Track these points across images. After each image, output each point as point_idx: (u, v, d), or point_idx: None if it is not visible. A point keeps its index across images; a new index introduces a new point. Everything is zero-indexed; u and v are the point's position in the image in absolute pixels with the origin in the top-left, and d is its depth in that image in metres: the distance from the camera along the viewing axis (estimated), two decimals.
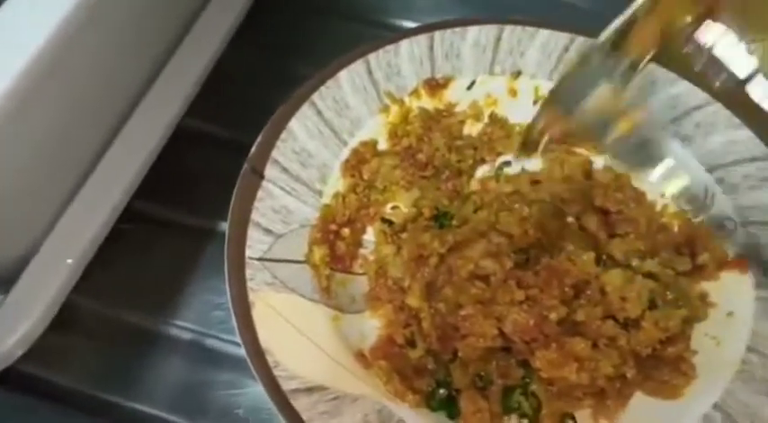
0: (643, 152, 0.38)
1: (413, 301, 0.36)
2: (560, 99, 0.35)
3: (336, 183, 0.40)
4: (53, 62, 0.29)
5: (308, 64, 0.42)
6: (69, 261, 0.33)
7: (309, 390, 0.32)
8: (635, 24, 0.31)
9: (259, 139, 0.39)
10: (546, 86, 0.43)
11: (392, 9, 0.53)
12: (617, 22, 0.31)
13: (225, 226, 0.36)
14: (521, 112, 0.44)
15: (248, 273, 0.34)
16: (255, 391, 0.38)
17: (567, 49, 0.44)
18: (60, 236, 0.34)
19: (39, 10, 0.29)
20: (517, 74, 0.44)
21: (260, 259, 0.35)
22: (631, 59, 0.32)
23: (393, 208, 0.41)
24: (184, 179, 0.43)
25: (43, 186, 0.33)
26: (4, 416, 0.37)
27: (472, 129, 0.44)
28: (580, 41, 0.44)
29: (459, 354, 0.35)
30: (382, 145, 0.42)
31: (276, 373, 0.32)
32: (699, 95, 0.41)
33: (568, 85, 0.35)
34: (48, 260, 0.33)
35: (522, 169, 0.42)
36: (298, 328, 0.34)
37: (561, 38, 0.44)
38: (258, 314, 0.33)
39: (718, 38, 0.31)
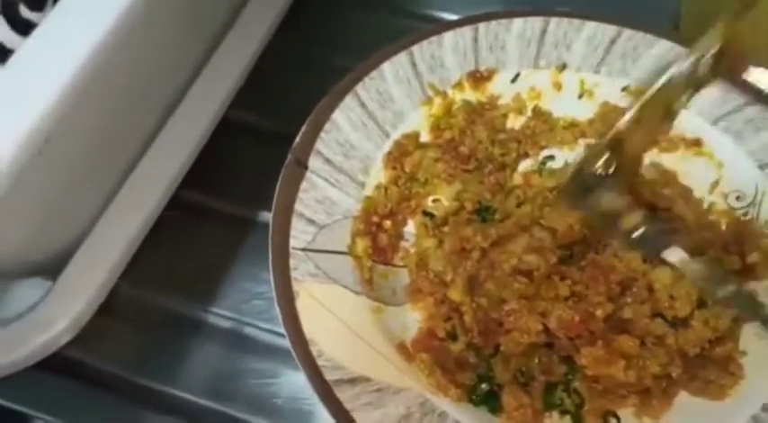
0: None
1: (455, 294, 0.36)
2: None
3: (378, 174, 0.40)
4: (109, 57, 0.29)
5: (351, 56, 0.42)
6: (117, 248, 0.33)
7: (353, 380, 0.32)
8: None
9: (303, 130, 0.39)
10: (591, 80, 0.43)
11: (436, 2, 0.53)
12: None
13: (267, 216, 0.36)
14: (565, 106, 0.43)
15: (292, 263, 0.34)
16: (292, 380, 0.38)
17: (613, 42, 0.43)
18: (108, 224, 0.34)
19: (97, 5, 0.29)
20: (562, 67, 0.43)
21: (304, 250, 0.35)
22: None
23: (434, 201, 0.41)
24: (229, 169, 0.44)
25: (92, 176, 0.34)
26: (49, 400, 0.38)
27: (515, 122, 0.43)
28: (627, 34, 0.43)
29: (502, 348, 0.35)
30: (425, 137, 0.42)
31: (320, 363, 0.32)
32: None
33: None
34: (96, 247, 0.33)
35: (566, 163, 0.42)
36: (341, 318, 0.34)
37: (608, 30, 0.43)
38: (302, 304, 0.33)
39: None
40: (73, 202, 0.34)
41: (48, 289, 0.33)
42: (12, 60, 0.28)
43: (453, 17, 0.50)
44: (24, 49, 0.29)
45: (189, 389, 0.38)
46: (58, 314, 0.32)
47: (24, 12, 0.32)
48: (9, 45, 0.31)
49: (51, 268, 0.34)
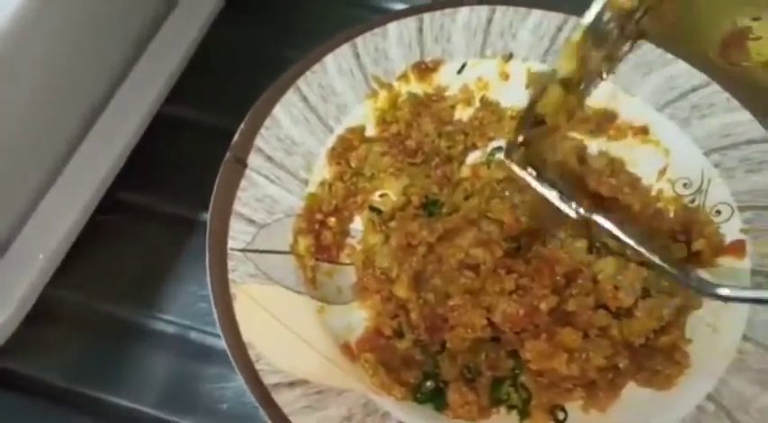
0: None
1: (401, 291, 0.35)
2: None
3: (322, 171, 0.39)
4: (22, 38, 0.28)
5: (295, 48, 0.41)
6: (42, 255, 0.32)
7: (292, 384, 0.31)
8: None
9: (242, 126, 0.37)
10: (538, 69, 0.42)
11: None
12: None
13: (208, 216, 0.35)
14: (513, 96, 0.42)
15: (230, 264, 0.34)
16: (240, 384, 0.37)
17: (559, 30, 0.42)
18: (34, 228, 0.33)
19: None
20: (509, 56, 0.42)
21: (243, 250, 0.34)
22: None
23: (381, 196, 0.40)
24: (166, 167, 0.42)
25: (16, 176, 0.32)
26: None
27: (463, 113, 0.43)
28: (573, 22, 0.42)
29: (448, 345, 0.34)
30: (370, 131, 0.41)
31: (258, 367, 0.31)
32: (696, 77, 0.40)
33: None
34: (21, 253, 0.32)
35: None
36: (281, 320, 0.33)
37: (554, 18, 0.42)
38: (240, 307, 0.32)
39: None
40: None
41: None
42: None
43: (400, 7, 0.49)
44: None
45: (135, 398, 0.37)
46: None
47: None
48: None
49: None
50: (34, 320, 0.35)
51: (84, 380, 0.37)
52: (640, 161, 0.41)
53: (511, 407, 0.34)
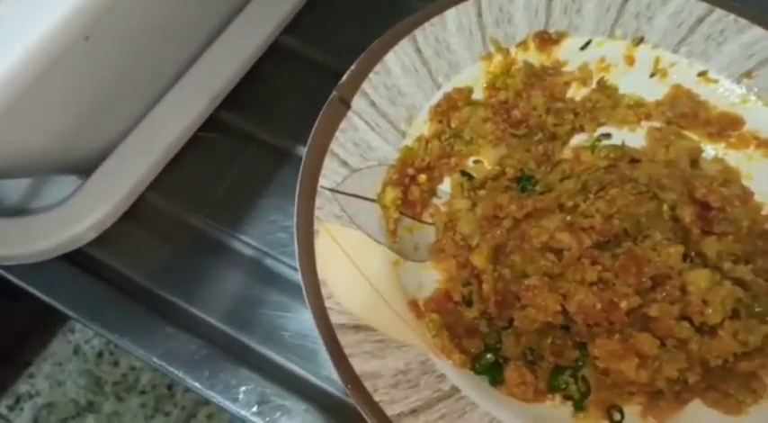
0: None
1: (478, 260, 0.35)
2: None
3: (422, 126, 0.38)
4: None
5: None
6: (148, 158, 0.33)
7: (357, 327, 0.31)
8: None
9: (352, 67, 0.37)
10: (668, 59, 0.40)
11: None
12: None
13: (304, 150, 0.35)
14: (633, 83, 0.40)
15: (318, 201, 0.34)
16: (304, 317, 0.38)
17: (700, 21, 0.39)
18: (143, 133, 0.34)
19: None
20: (639, 40, 0.40)
21: (332, 190, 0.35)
22: None
23: (475, 162, 0.39)
24: (271, 96, 0.43)
25: (135, 80, 0.34)
26: (69, 293, 0.39)
27: (576, 93, 0.41)
28: (718, 14, 0.39)
29: (516, 323, 0.34)
30: (477, 94, 0.40)
31: (328, 304, 0.32)
32: None
33: None
34: (128, 154, 0.34)
35: (623, 144, 0.39)
36: (357, 264, 0.33)
37: (697, 7, 0.39)
38: (321, 244, 0.33)
39: None
40: (113, 104, 0.34)
41: (78, 187, 0.33)
42: None
43: None
44: None
45: (204, 308, 0.39)
46: (84, 212, 0.33)
47: None
48: None
49: (85, 169, 0.35)
50: (128, 221, 0.37)
51: (163, 283, 0.39)
52: (757, 175, 0.38)
53: (567, 397, 0.33)
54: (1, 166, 0.28)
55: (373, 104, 0.37)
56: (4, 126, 0.23)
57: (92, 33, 0.26)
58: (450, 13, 0.39)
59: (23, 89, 0.22)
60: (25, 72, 0.22)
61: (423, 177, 0.38)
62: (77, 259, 0.38)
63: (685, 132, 0.40)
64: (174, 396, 1.02)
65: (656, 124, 0.40)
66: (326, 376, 0.36)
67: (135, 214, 0.38)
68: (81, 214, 0.33)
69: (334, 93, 0.37)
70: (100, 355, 1.05)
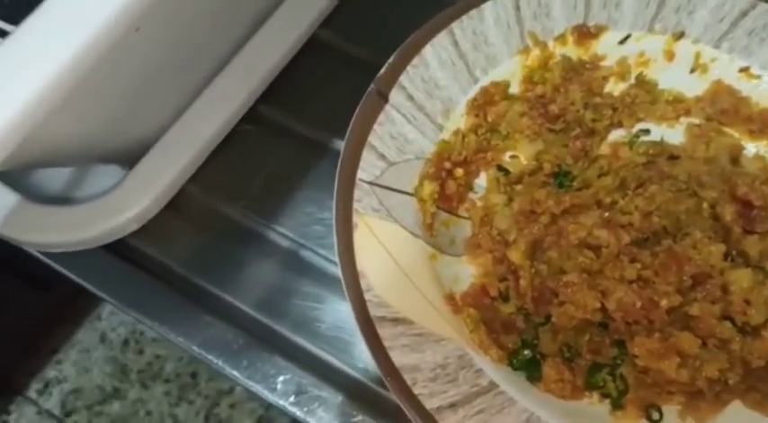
0: None
1: (515, 256, 0.35)
2: None
3: (459, 120, 0.38)
4: None
5: None
6: (190, 150, 0.34)
7: (395, 320, 0.32)
8: None
9: (390, 60, 0.37)
10: (709, 54, 0.39)
11: None
12: None
13: (340, 144, 0.35)
14: (673, 78, 0.40)
15: (357, 194, 0.34)
16: (338, 309, 0.39)
17: (744, 15, 0.38)
18: (184, 126, 0.35)
19: None
20: (680, 35, 0.39)
21: (370, 183, 0.35)
22: None
23: (512, 157, 0.39)
24: (309, 90, 0.43)
25: (179, 73, 0.34)
26: (110, 282, 0.40)
27: (615, 88, 0.40)
28: (762, 8, 0.38)
29: (553, 319, 0.34)
30: (514, 88, 0.40)
31: (367, 297, 0.32)
32: None
33: None
34: (170, 146, 0.34)
35: (662, 140, 0.39)
36: (395, 257, 0.34)
37: (740, 1, 0.39)
38: (360, 236, 0.33)
39: None
40: (157, 95, 0.35)
41: (121, 178, 0.34)
42: None
43: None
44: None
45: (239, 296, 0.39)
46: (127, 203, 0.34)
47: None
48: None
49: (128, 159, 0.35)
50: (167, 212, 0.38)
51: (199, 272, 0.40)
52: None
53: (605, 395, 0.33)
54: (51, 155, 0.28)
55: (411, 98, 0.37)
56: (62, 115, 0.24)
57: (142, 25, 0.26)
58: (488, 6, 0.39)
59: (81, 79, 0.23)
60: (82, 62, 0.22)
61: (460, 171, 0.38)
62: (118, 248, 0.39)
63: (725, 129, 0.39)
64: (198, 385, 1.03)
65: (696, 120, 0.40)
66: (362, 368, 0.37)
67: (174, 205, 0.38)
68: (125, 205, 0.33)
69: (372, 86, 0.37)
70: (126, 343, 1.07)
